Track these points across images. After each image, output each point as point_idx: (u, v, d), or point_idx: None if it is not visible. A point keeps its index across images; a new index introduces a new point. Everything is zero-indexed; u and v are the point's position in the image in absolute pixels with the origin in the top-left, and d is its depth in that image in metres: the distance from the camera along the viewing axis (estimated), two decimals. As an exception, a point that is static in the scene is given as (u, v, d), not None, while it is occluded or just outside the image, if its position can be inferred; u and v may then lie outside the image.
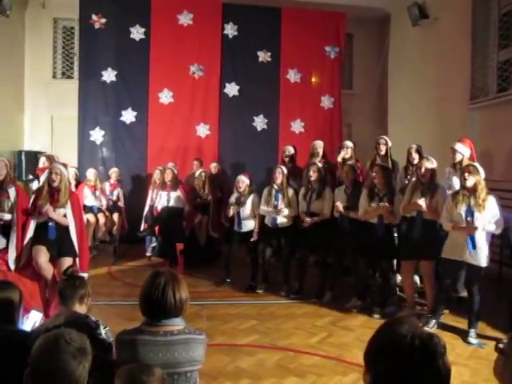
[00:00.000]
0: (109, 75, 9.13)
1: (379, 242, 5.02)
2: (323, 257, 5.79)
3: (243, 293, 5.90)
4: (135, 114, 9.19)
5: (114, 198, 8.06)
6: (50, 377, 1.53)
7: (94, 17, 8.99)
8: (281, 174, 5.87)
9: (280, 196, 5.80)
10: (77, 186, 7.52)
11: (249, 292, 5.91)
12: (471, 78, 7.54)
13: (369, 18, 10.17)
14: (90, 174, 7.78)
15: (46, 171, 4.90)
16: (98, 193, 7.72)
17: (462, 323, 4.63)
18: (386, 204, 4.92)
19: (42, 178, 5.23)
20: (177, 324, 2.15)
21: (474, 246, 4.34)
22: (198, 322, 4.67)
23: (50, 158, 6.42)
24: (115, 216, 7.99)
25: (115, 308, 5.11)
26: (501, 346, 1.43)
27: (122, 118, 9.18)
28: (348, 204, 5.37)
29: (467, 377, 3.66)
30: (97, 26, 9.02)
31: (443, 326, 4.69)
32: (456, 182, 5.03)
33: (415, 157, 5.52)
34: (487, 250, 4.43)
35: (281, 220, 5.82)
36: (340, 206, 5.32)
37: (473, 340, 4.34)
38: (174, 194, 7.18)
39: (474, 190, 4.37)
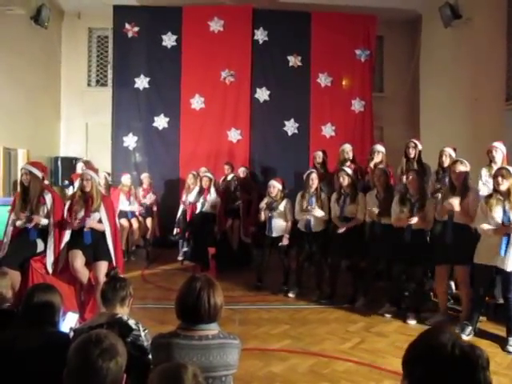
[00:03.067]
0: (141, 82, 9.33)
1: (411, 247, 4.95)
2: (356, 262, 5.75)
3: (275, 295, 5.94)
4: (167, 119, 9.35)
5: (148, 202, 8.20)
6: (78, 375, 1.61)
7: (127, 26, 9.22)
8: (316, 179, 5.92)
9: (314, 200, 5.83)
10: (108, 190, 7.70)
11: (281, 295, 5.96)
12: (507, 78, 7.34)
13: (399, 20, 10.04)
14: (126, 179, 7.96)
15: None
16: (132, 198, 7.89)
17: (501, 331, 4.50)
18: (415, 218, 4.88)
19: (76, 184, 5.38)
20: (212, 328, 2.18)
21: (506, 251, 4.24)
22: (231, 326, 4.69)
23: (87, 164, 6.60)
24: (148, 221, 8.15)
25: (148, 311, 5.18)
26: None
27: (154, 124, 9.36)
28: (380, 209, 5.32)
29: (507, 386, 3.56)
30: (130, 34, 9.25)
31: (481, 334, 4.57)
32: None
33: (445, 161, 5.44)
34: None
35: (315, 224, 5.82)
36: (376, 210, 5.28)
37: (512, 349, 4.22)
38: (210, 198, 7.27)
39: (508, 194, 4.28)
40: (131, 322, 2.48)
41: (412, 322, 4.91)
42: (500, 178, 4.30)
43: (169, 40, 9.33)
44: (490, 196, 4.49)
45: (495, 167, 5.04)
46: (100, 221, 4.72)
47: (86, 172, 4.82)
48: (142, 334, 2.44)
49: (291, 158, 8.89)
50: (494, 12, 7.51)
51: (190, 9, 9.30)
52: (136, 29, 9.24)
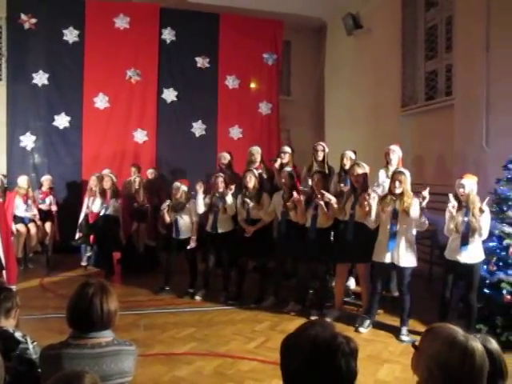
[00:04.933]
0: (40, 78, 8.77)
1: (315, 245, 5.12)
2: (263, 262, 5.82)
3: (182, 298, 5.85)
4: (69, 118, 8.87)
5: (46, 205, 7.72)
6: None
7: (23, 16, 8.60)
8: (223, 182, 5.89)
9: (220, 203, 5.82)
10: (4, 193, 7.13)
11: (187, 298, 5.87)
12: (402, 86, 7.87)
13: (306, 27, 10.40)
14: (22, 181, 7.42)
15: None
16: (30, 202, 7.38)
17: (396, 322, 4.79)
18: (296, 195, 5.12)
19: None
20: (105, 336, 2.08)
21: (393, 246, 4.57)
22: (136, 332, 4.57)
23: None
24: (47, 225, 7.67)
25: (47, 321, 4.89)
26: (416, 343, 1.51)
27: (54, 123, 8.83)
28: (286, 209, 5.44)
29: (398, 373, 3.79)
30: (27, 26, 8.64)
31: (378, 325, 4.85)
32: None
33: (346, 163, 5.70)
34: (412, 253, 4.62)
35: (221, 225, 5.81)
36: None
37: (404, 337, 4.51)
38: (113, 202, 7.00)
39: (401, 197, 4.59)
40: (17, 335, 2.32)
41: (314, 319, 5.07)
42: (397, 183, 4.60)
43: (70, 35, 8.85)
44: (384, 196, 4.78)
45: (391, 169, 5.38)
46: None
47: None
48: (30, 346, 2.29)
49: (199, 159, 8.81)
50: (390, 25, 8.01)
51: (94, 3, 8.89)
52: (33, 20, 8.64)
